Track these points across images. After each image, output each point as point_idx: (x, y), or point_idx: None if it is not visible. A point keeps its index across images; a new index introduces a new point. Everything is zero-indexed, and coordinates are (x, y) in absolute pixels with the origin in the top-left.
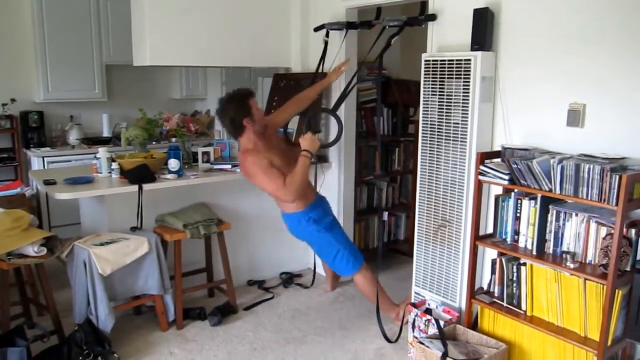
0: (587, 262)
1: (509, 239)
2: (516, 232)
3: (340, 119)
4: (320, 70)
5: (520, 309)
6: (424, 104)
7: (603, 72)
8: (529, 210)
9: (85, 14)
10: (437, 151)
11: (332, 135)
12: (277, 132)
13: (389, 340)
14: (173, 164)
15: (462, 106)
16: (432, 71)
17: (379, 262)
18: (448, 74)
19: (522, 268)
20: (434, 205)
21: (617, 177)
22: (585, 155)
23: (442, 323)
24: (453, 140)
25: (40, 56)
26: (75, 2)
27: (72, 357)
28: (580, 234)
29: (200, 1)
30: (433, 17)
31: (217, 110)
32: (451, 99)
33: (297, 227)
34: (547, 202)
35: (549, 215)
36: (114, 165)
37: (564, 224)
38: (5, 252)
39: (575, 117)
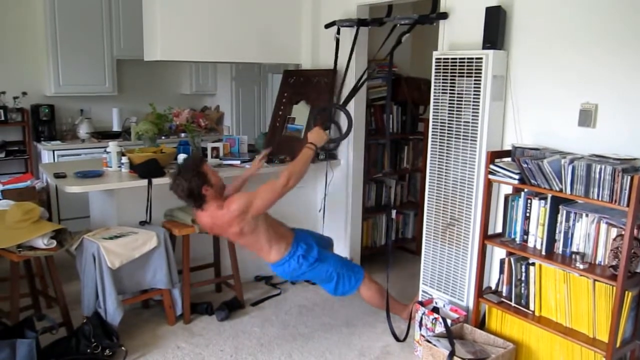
0: (597, 263)
1: (518, 239)
2: (525, 232)
3: (349, 114)
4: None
5: (528, 309)
6: (434, 102)
7: (615, 72)
8: (539, 210)
9: (97, 8)
10: (447, 149)
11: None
12: (287, 128)
13: (397, 339)
14: (182, 159)
15: (473, 105)
16: (443, 69)
17: (390, 260)
18: (459, 72)
19: (531, 268)
20: (443, 204)
21: (629, 177)
22: (597, 156)
23: (449, 322)
24: (463, 138)
25: (52, 50)
26: None
27: (81, 349)
28: (590, 234)
29: None
30: (445, 16)
31: (170, 186)
32: (462, 97)
33: (291, 271)
34: (557, 202)
35: (559, 215)
36: (124, 160)
37: (574, 225)
38: (16, 244)
39: (587, 117)
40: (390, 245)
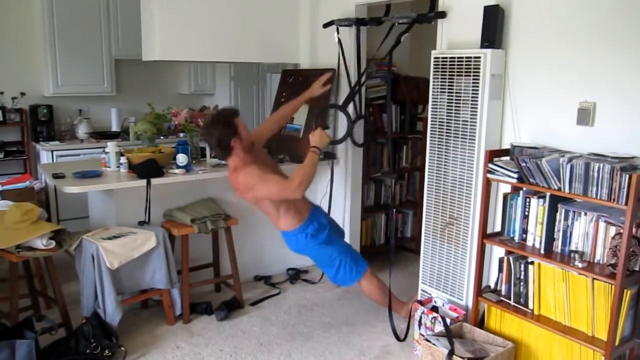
0: (596, 261)
1: (516, 238)
2: (524, 231)
3: (350, 115)
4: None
5: (527, 307)
6: (432, 101)
7: (614, 71)
8: (538, 208)
9: (95, 8)
10: (446, 149)
11: (340, 132)
12: (286, 128)
13: (398, 338)
14: (181, 158)
15: (471, 104)
16: (442, 68)
17: (392, 259)
18: (457, 71)
19: (530, 267)
20: (442, 203)
21: (627, 176)
22: (595, 154)
23: (448, 321)
24: (462, 137)
25: (50, 50)
26: None
27: (80, 349)
28: (589, 233)
29: None
30: (443, 15)
31: (201, 133)
32: (460, 96)
33: (296, 245)
34: (555, 201)
35: (558, 214)
36: (123, 160)
37: (572, 223)
38: (15, 245)
39: (585, 116)
40: (393, 244)
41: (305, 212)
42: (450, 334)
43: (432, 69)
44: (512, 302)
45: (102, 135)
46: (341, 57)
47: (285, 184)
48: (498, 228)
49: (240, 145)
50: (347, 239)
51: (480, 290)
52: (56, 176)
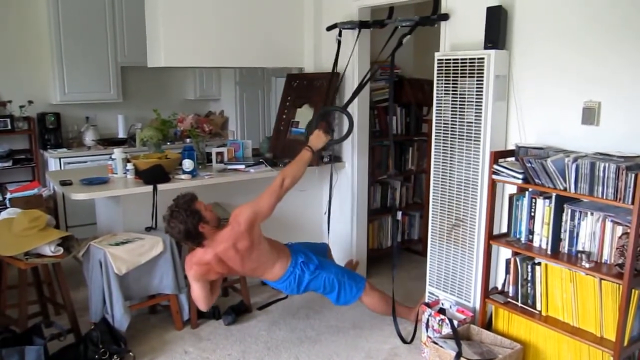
0: (603, 261)
1: (523, 239)
2: (531, 232)
3: (351, 116)
4: (335, 71)
5: (535, 309)
6: (437, 103)
7: (618, 70)
8: (544, 209)
9: (101, 15)
10: (451, 150)
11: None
12: (291, 132)
13: (404, 341)
14: (187, 164)
15: (476, 105)
16: (445, 70)
17: (395, 262)
18: (461, 73)
19: (537, 268)
20: (448, 205)
21: (633, 175)
22: (601, 154)
23: (456, 323)
24: (467, 139)
25: (57, 58)
26: (91, 4)
27: (89, 355)
28: (595, 233)
29: (213, 2)
30: (446, 17)
31: (165, 229)
32: (464, 98)
33: (296, 283)
34: (561, 201)
35: (564, 214)
36: (129, 166)
37: (579, 223)
38: (23, 252)
39: (590, 115)
40: (397, 247)
41: (287, 251)
42: (458, 336)
43: (435, 71)
44: (519, 304)
45: (108, 141)
46: (340, 58)
47: (271, 186)
48: (504, 229)
49: (210, 229)
50: (353, 242)
51: (487, 291)
52: (64, 183)
